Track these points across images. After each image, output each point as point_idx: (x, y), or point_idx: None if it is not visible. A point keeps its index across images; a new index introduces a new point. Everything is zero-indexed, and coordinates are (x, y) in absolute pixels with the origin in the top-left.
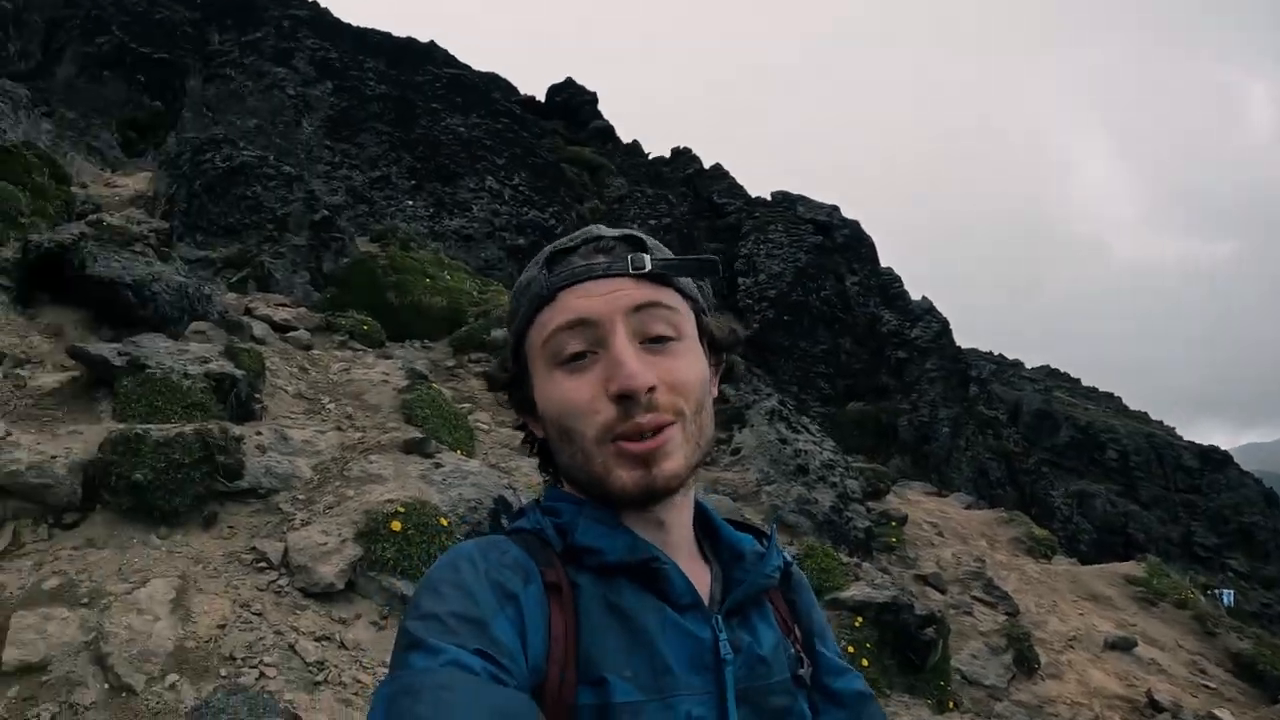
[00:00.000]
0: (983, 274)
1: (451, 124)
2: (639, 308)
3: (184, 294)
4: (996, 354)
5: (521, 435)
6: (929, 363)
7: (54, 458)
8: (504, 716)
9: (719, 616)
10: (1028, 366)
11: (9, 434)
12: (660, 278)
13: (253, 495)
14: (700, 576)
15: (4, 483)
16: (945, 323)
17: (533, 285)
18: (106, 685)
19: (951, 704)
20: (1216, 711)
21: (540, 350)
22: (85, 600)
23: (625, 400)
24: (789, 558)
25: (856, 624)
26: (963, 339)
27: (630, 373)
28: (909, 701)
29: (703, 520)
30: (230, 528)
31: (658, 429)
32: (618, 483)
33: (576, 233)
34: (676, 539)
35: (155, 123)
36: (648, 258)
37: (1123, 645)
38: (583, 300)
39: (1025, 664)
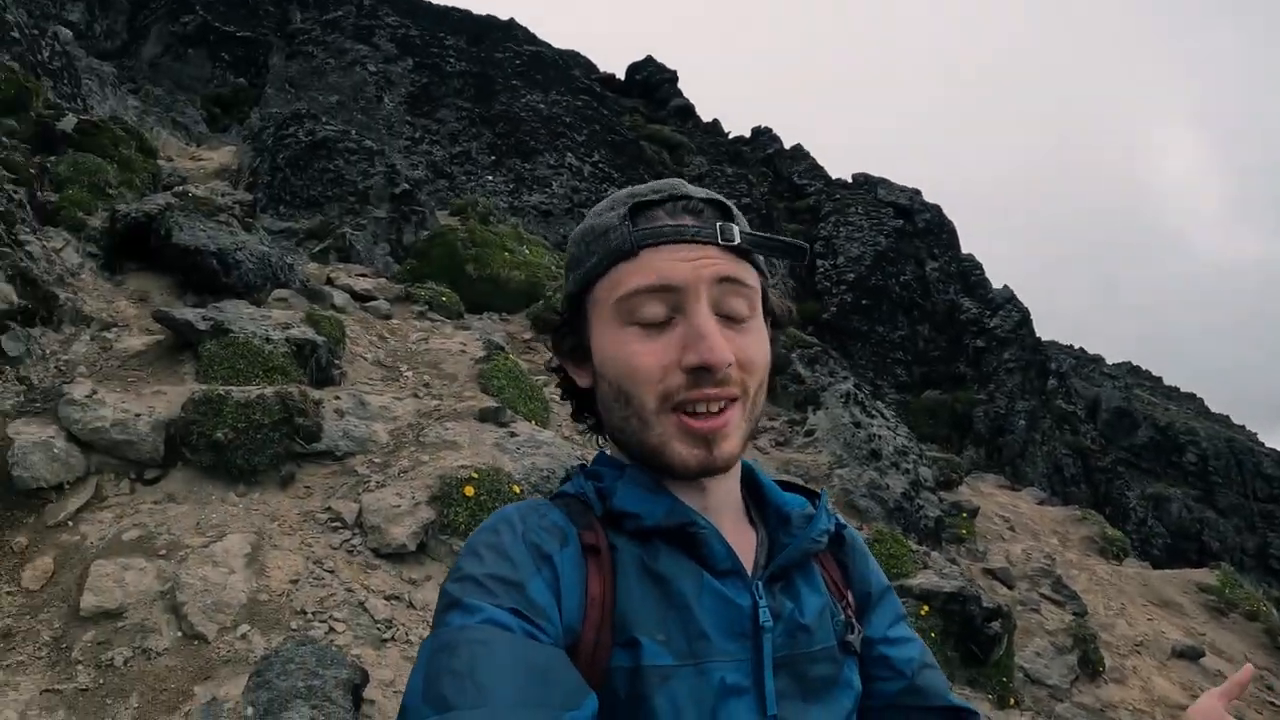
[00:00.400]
0: (1064, 266)
1: (531, 100)
2: (722, 280)
3: (267, 263)
4: (1077, 348)
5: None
6: (1007, 353)
7: (138, 416)
8: (537, 669)
9: (760, 583)
10: (1109, 362)
11: (95, 393)
12: (742, 252)
13: (329, 457)
14: (745, 540)
15: (89, 439)
16: (1026, 313)
17: (611, 235)
18: (179, 633)
19: (1013, 701)
20: None
21: (612, 305)
22: (163, 552)
23: (700, 372)
24: (841, 520)
25: (922, 612)
26: (1043, 331)
27: (713, 346)
28: (970, 695)
29: (750, 482)
30: (306, 488)
31: (721, 405)
32: (676, 458)
33: (659, 184)
34: (719, 502)
35: (239, 99)
36: (737, 230)
37: (1190, 654)
38: (669, 264)
39: (1089, 666)
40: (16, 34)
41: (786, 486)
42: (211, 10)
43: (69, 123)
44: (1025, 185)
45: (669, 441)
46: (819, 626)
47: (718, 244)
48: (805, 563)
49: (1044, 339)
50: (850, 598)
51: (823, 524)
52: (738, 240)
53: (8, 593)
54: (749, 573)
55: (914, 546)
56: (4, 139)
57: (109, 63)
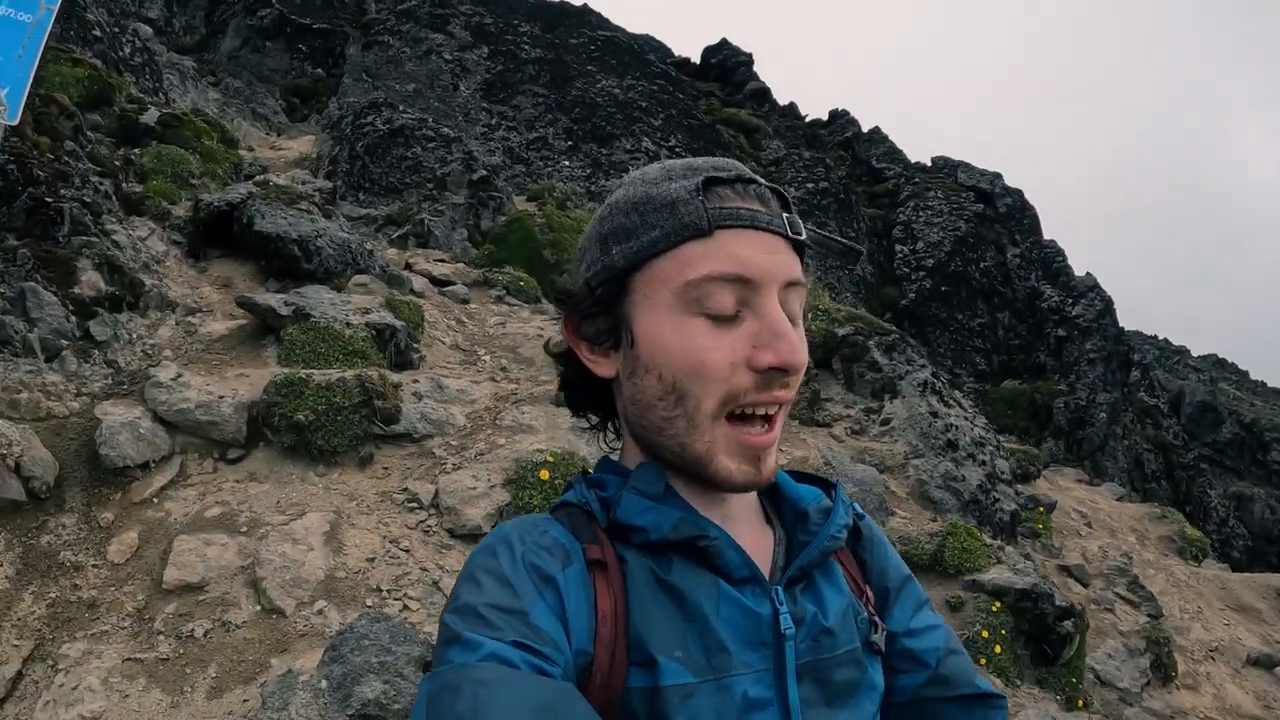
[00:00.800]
0: (1149, 253)
1: (607, 86)
2: (791, 284)
3: (347, 249)
4: (1161, 338)
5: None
6: (1089, 343)
7: (221, 398)
8: (544, 709)
9: (779, 588)
10: (1194, 354)
11: (180, 375)
12: (798, 248)
13: (407, 439)
14: (761, 543)
15: (174, 420)
16: (1109, 301)
17: (680, 208)
18: (258, 607)
19: (1081, 703)
20: None
21: (676, 288)
22: (244, 529)
23: (773, 374)
24: (859, 510)
25: (994, 609)
26: (1126, 320)
27: (794, 347)
28: (1037, 694)
29: None
30: (384, 468)
31: (774, 411)
32: (723, 472)
33: (718, 160)
34: (737, 508)
35: (317, 89)
36: (802, 225)
37: (1266, 663)
38: (749, 252)
39: (1162, 670)
40: (98, 32)
41: (799, 478)
42: (287, 3)
43: (152, 116)
44: (1112, 168)
45: (717, 454)
46: (842, 628)
47: (787, 237)
48: (825, 561)
49: (1127, 329)
50: (869, 593)
51: (841, 519)
52: (803, 235)
53: (94, 566)
54: (767, 577)
55: (988, 541)
56: (89, 133)
57: (189, 57)
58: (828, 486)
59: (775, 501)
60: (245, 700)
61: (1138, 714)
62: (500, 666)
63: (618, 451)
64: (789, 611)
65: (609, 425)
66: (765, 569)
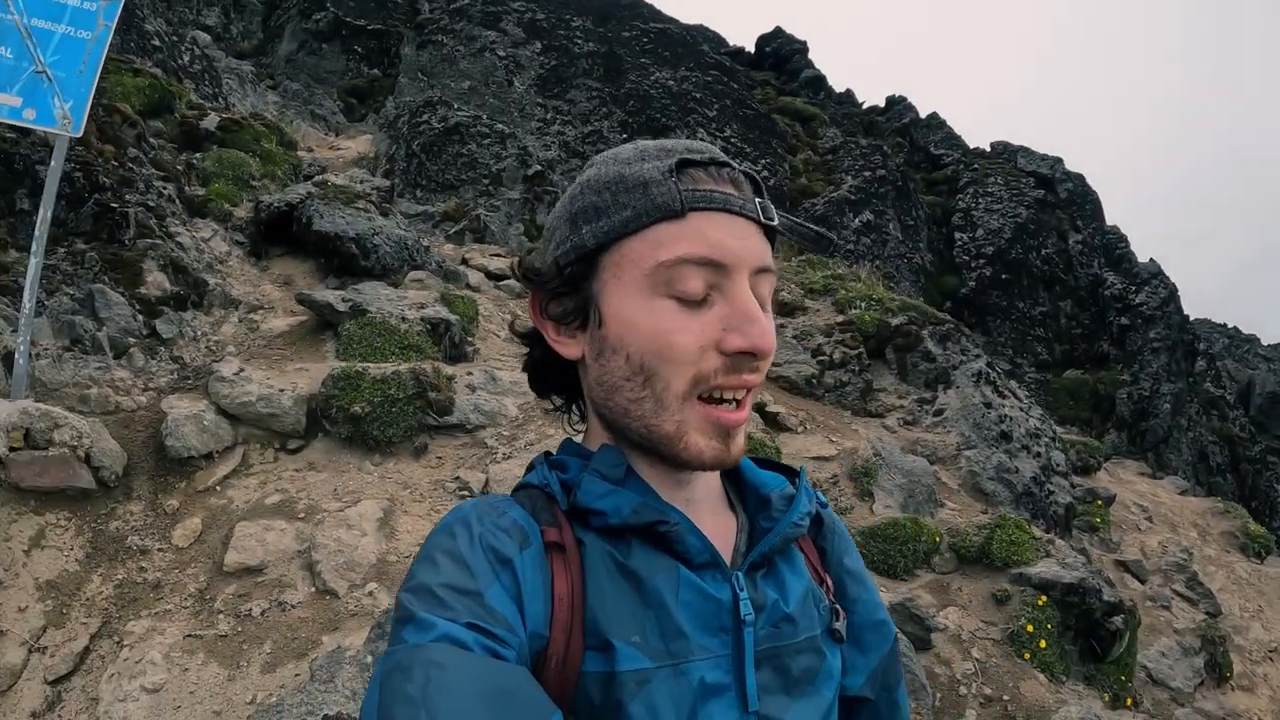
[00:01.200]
0: (1216, 237)
1: (661, 78)
2: (761, 270)
3: (403, 246)
4: (1230, 326)
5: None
6: (1154, 331)
7: (281, 391)
8: (497, 692)
9: (739, 575)
10: (1264, 343)
11: (242, 370)
12: (770, 234)
13: (461, 430)
14: (723, 528)
15: (236, 412)
16: (1173, 288)
17: (653, 189)
18: (313, 588)
19: (1129, 701)
20: None
21: (647, 269)
22: (301, 515)
23: (741, 358)
24: (822, 499)
25: (1040, 603)
26: (1192, 308)
27: (764, 331)
28: (1082, 691)
29: None
30: (438, 458)
31: (743, 394)
32: (693, 448)
33: (690, 143)
34: (701, 492)
35: (373, 89)
36: (774, 210)
37: None
38: (721, 236)
39: (1217, 670)
40: (157, 41)
41: (764, 465)
42: (342, 6)
43: (212, 121)
44: (1173, 149)
45: (687, 432)
46: (803, 615)
47: (759, 222)
48: (787, 548)
49: (1194, 317)
50: (829, 581)
51: (804, 506)
52: (776, 221)
53: (160, 550)
54: (729, 563)
55: (1037, 534)
56: (152, 140)
57: (247, 62)
58: (792, 474)
59: (738, 487)
60: (297, 674)
61: (1189, 714)
62: (453, 648)
63: (581, 434)
64: (749, 597)
65: (573, 407)
66: (727, 554)
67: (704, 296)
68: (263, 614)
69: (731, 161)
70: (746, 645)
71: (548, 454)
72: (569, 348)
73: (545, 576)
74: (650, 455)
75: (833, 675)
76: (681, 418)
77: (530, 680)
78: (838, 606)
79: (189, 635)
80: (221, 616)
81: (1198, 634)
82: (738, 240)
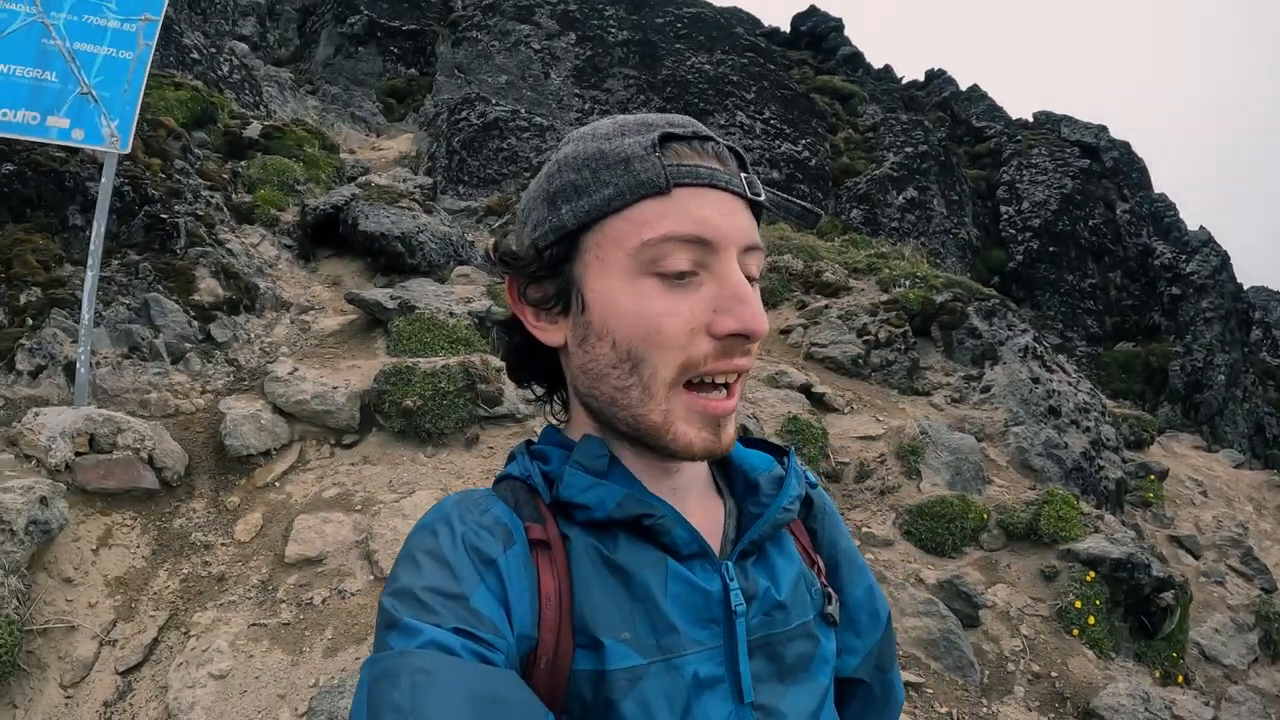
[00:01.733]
0: (1269, 203)
1: (697, 62)
2: (749, 247)
3: (448, 242)
4: None
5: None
6: (1205, 301)
7: (335, 388)
8: (485, 697)
9: (729, 564)
10: None
11: (296, 370)
12: (755, 209)
13: (510, 420)
14: (711, 515)
15: (293, 410)
16: (1225, 256)
17: (636, 165)
18: (371, 576)
19: (1181, 679)
20: None
21: (631, 249)
22: (358, 507)
23: (734, 341)
24: (811, 478)
25: (1088, 578)
26: (1246, 276)
27: (755, 312)
28: (1132, 668)
29: None
30: (490, 448)
31: (733, 379)
32: (682, 439)
33: (672, 116)
34: (688, 480)
35: (411, 89)
36: (760, 185)
37: None
38: (708, 213)
39: (1271, 647)
40: (196, 55)
41: (751, 444)
42: (375, 8)
43: (254, 129)
44: (1226, 111)
45: (675, 421)
46: (795, 601)
47: (745, 197)
48: (777, 533)
49: (1249, 285)
50: (821, 563)
51: (794, 490)
52: (763, 197)
53: (222, 544)
54: (717, 551)
55: (1085, 509)
56: (197, 151)
57: (285, 69)
58: (780, 453)
59: (725, 471)
60: (357, 658)
61: (1241, 692)
62: (440, 654)
63: (565, 423)
64: (740, 587)
65: (555, 397)
66: (715, 543)
67: (692, 277)
68: (323, 602)
69: (715, 136)
70: (739, 636)
71: (529, 442)
72: (550, 334)
73: (531, 575)
74: (637, 444)
75: (827, 660)
76: (669, 407)
77: (519, 684)
78: (830, 590)
79: (253, 624)
80: (284, 606)
81: (1252, 610)
82: (725, 217)
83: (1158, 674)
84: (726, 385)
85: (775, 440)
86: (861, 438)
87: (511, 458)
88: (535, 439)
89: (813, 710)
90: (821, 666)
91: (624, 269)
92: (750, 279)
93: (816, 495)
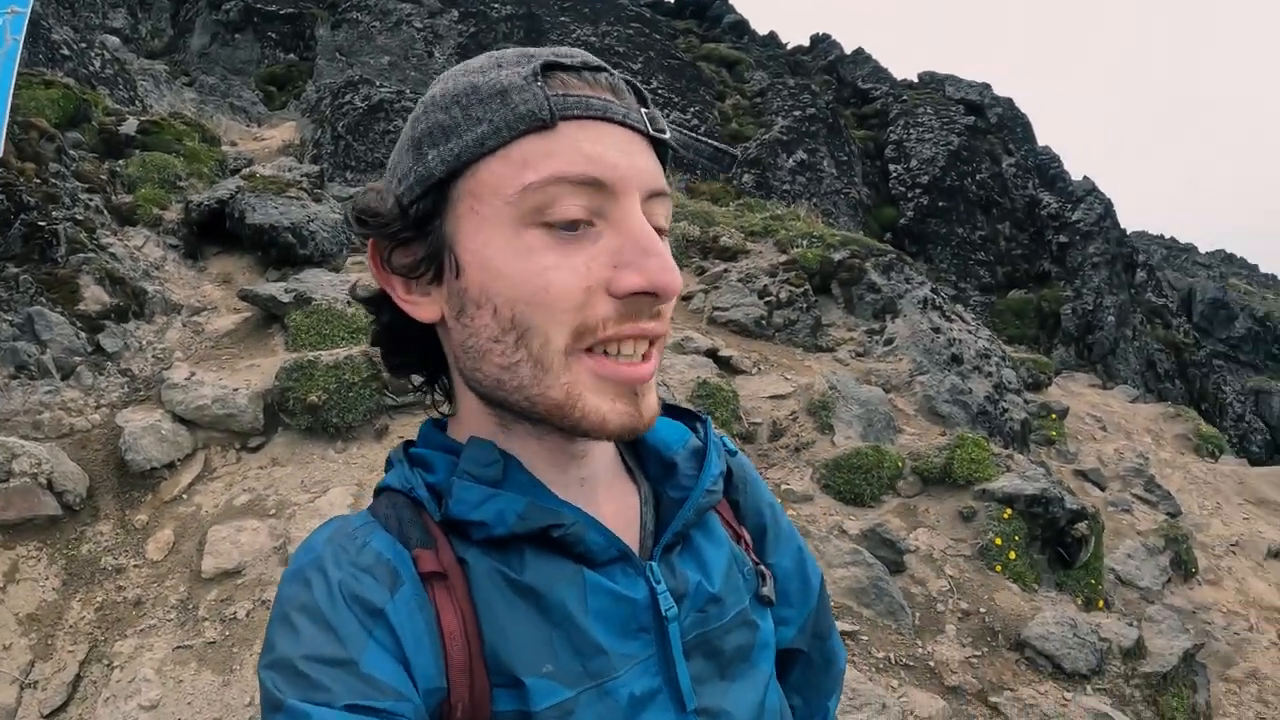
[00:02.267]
0: (1149, 155)
1: (582, 34)
2: (654, 192)
3: (340, 230)
4: (1167, 237)
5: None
6: (1092, 247)
7: (235, 390)
8: None
9: (654, 565)
10: (1202, 251)
11: (193, 374)
12: (660, 151)
13: (419, 406)
14: (626, 506)
15: (193, 417)
16: (1109, 204)
17: (513, 96)
18: None
19: (1101, 604)
20: None
21: (511, 196)
22: (273, 512)
23: (640, 300)
24: (729, 445)
25: (1005, 516)
26: (1130, 222)
27: (666, 265)
28: (1055, 597)
29: None
30: (399, 437)
31: (647, 345)
32: (593, 416)
33: (561, 48)
34: (597, 467)
35: (292, 75)
36: (664, 122)
37: None
38: (602, 150)
39: (1182, 567)
40: (66, 51)
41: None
42: None
43: (131, 126)
44: (1115, 69)
45: (581, 395)
46: (729, 589)
47: (647, 135)
48: (701, 518)
49: (1131, 230)
50: (746, 536)
51: (715, 467)
52: (668, 134)
53: (135, 566)
54: (637, 546)
55: (996, 450)
56: (72, 152)
57: (160, 61)
58: (692, 419)
59: (635, 450)
60: None
61: (1159, 611)
62: None
63: (452, 415)
64: (668, 587)
65: (438, 384)
66: (633, 537)
67: (586, 227)
68: (248, 615)
69: (608, 66)
70: (673, 642)
71: (408, 444)
72: (423, 308)
73: (428, 616)
74: (540, 427)
75: (768, 644)
76: (570, 379)
77: None
78: (763, 568)
79: (178, 647)
80: (207, 624)
81: (1160, 534)
82: (623, 156)
83: (1080, 601)
84: (642, 355)
85: (687, 405)
86: (772, 397)
87: (389, 464)
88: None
89: (758, 701)
90: (763, 652)
91: (504, 221)
92: (659, 231)
93: (736, 464)
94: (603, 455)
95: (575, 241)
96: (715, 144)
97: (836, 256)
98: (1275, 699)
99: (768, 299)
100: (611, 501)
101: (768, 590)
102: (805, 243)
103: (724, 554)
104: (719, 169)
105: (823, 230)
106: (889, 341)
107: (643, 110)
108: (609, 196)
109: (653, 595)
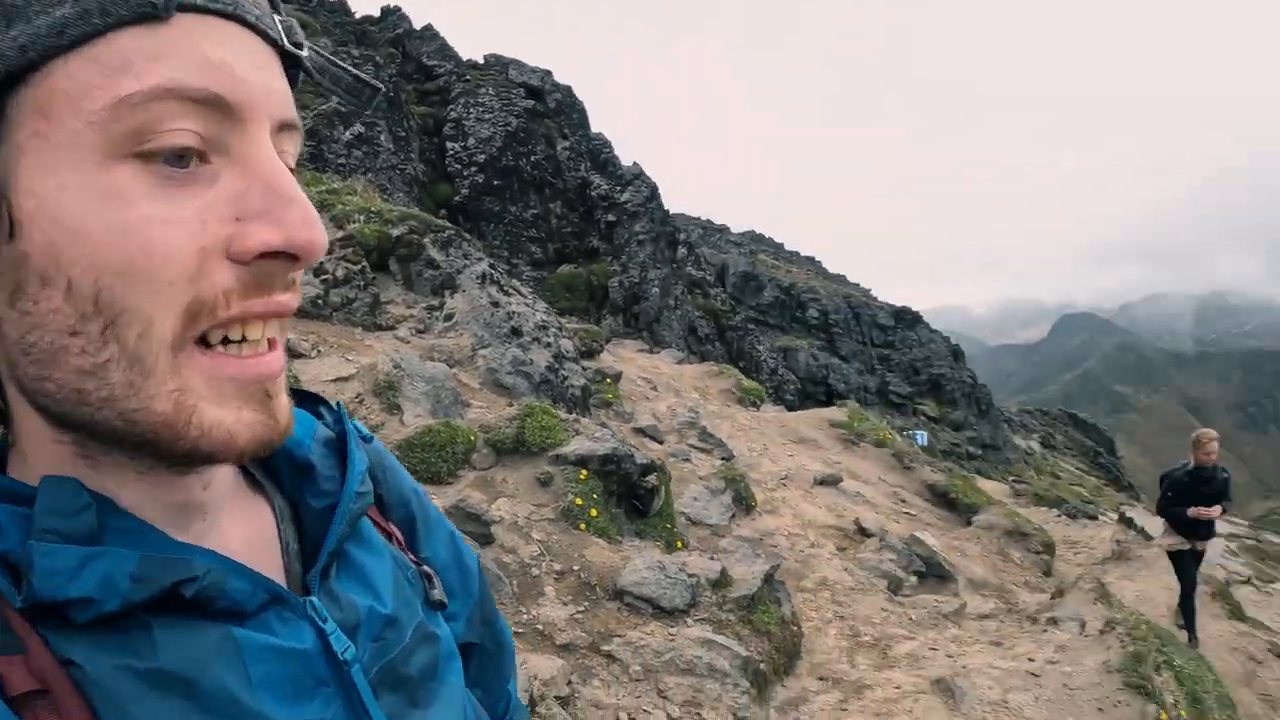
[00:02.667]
0: (687, 137)
1: None
2: (285, 124)
3: None
4: (704, 219)
5: None
6: (638, 225)
7: None
8: None
9: (313, 600)
10: (734, 231)
11: None
12: (291, 73)
13: None
14: (259, 527)
15: None
16: (654, 187)
17: None
18: None
19: (680, 544)
20: (918, 534)
21: (96, 113)
22: None
23: (274, 263)
24: (362, 430)
25: (582, 477)
26: (676, 204)
27: (309, 219)
28: (639, 545)
29: None
30: None
31: (275, 325)
32: (217, 433)
33: None
34: (221, 487)
35: None
36: (302, 35)
37: (830, 481)
38: (230, 57)
39: (743, 503)
40: None
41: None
42: None
43: None
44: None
45: (196, 406)
46: (401, 604)
47: (281, 47)
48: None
49: (674, 211)
50: (397, 533)
51: (360, 464)
52: (306, 52)
53: None
54: (283, 577)
55: (564, 416)
56: None
57: None
58: (314, 401)
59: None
60: None
61: (731, 543)
62: None
63: (12, 446)
64: (337, 623)
65: None
66: (276, 567)
67: (200, 164)
68: None
69: None
70: (360, 687)
71: None
72: None
73: None
74: (138, 453)
75: (451, 653)
76: (180, 384)
77: None
78: (426, 569)
79: None
80: None
81: (720, 477)
82: (255, 69)
83: (662, 545)
84: (269, 340)
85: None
86: (335, 380)
87: None
88: None
89: (455, 716)
90: (449, 664)
91: (84, 151)
92: (289, 169)
93: (372, 451)
94: (225, 472)
95: (184, 184)
96: (357, 73)
97: (395, 232)
98: (845, 598)
99: (324, 277)
100: (238, 525)
101: (438, 594)
102: (362, 218)
103: (386, 563)
104: (358, 104)
105: (381, 205)
106: (449, 317)
107: (276, 17)
108: (234, 124)
109: (323, 639)
